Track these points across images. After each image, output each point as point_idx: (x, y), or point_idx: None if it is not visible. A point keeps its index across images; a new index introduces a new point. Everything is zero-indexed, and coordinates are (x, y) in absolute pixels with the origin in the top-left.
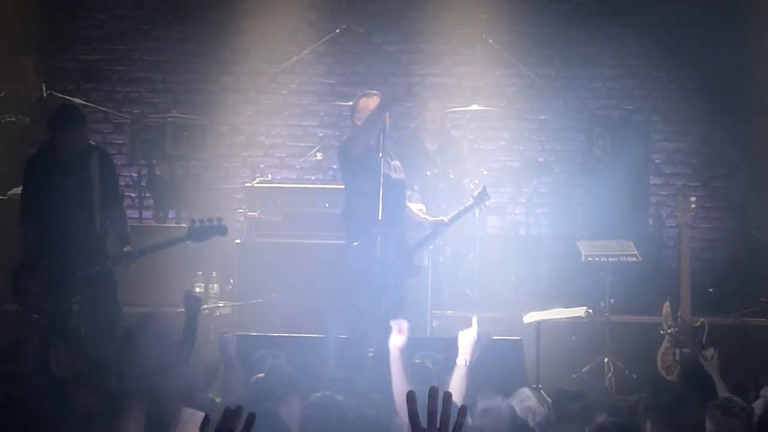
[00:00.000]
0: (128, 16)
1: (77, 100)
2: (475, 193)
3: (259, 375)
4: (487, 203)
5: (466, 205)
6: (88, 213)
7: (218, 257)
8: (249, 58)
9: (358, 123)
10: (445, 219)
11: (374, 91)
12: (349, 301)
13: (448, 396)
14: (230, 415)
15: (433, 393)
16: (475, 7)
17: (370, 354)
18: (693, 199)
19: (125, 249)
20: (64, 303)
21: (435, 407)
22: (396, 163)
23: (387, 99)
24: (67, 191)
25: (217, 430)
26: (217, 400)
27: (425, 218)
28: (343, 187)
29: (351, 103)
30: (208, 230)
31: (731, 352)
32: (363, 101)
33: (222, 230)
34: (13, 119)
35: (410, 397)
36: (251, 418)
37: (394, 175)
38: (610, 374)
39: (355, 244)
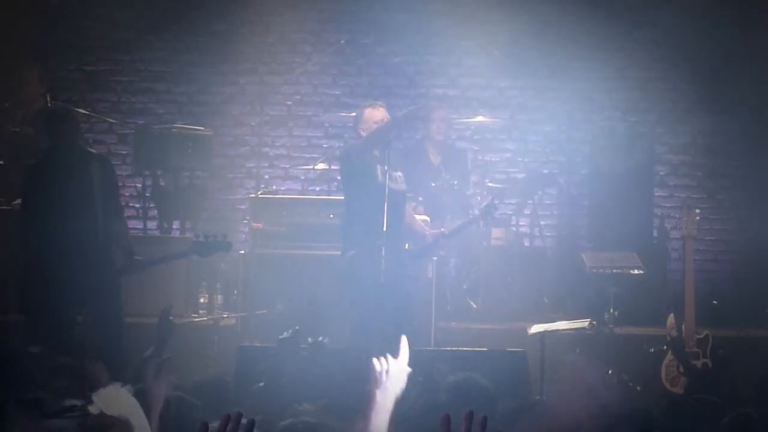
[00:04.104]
0: (133, 26)
1: (82, 110)
2: (483, 204)
3: (260, 384)
4: (496, 215)
5: (470, 218)
6: (90, 221)
7: (223, 268)
8: (254, 69)
9: (363, 133)
10: (445, 231)
11: (380, 102)
12: (350, 312)
13: (483, 420)
14: (229, 421)
15: (467, 417)
16: (479, 18)
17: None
18: (697, 211)
19: (133, 258)
20: (67, 313)
21: (468, 430)
22: (398, 174)
23: (401, 117)
24: (67, 199)
25: None
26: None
27: (427, 230)
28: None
29: (354, 113)
30: (212, 246)
31: (736, 363)
32: (368, 112)
33: (225, 246)
34: (17, 129)
35: (444, 420)
36: (250, 425)
37: (394, 186)
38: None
39: (349, 254)
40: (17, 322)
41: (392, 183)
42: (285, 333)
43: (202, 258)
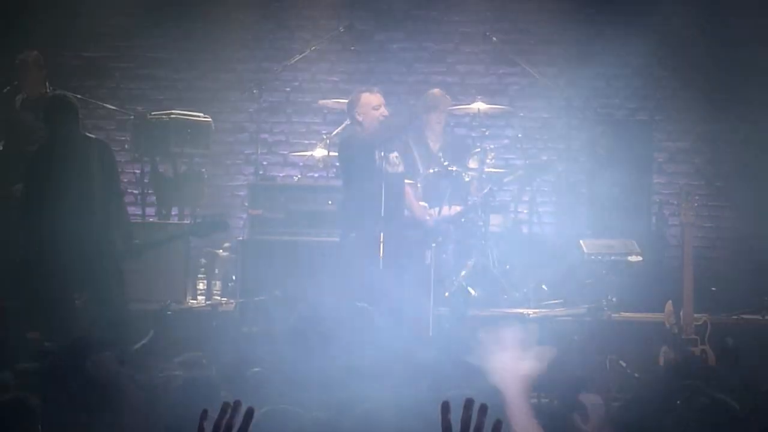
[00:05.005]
0: (132, 13)
1: (80, 97)
2: (483, 193)
3: (255, 369)
4: (492, 204)
5: (470, 205)
6: (90, 206)
7: (221, 254)
8: (252, 56)
9: (359, 118)
10: (447, 216)
11: (376, 87)
12: (349, 297)
13: (483, 408)
14: (229, 409)
15: (467, 404)
16: (478, 5)
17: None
18: (696, 197)
19: (132, 242)
20: (65, 299)
21: (468, 418)
22: (394, 155)
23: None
24: (67, 185)
25: (216, 424)
26: None
27: (428, 214)
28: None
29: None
30: (209, 226)
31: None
32: (365, 96)
33: (223, 226)
34: (16, 116)
35: (445, 408)
36: (250, 413)
37: (391, 169)
38: (611, 373)
39: (348, 238)
40: (17, 308)
41: (389, 166)
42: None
43: (200, 238)
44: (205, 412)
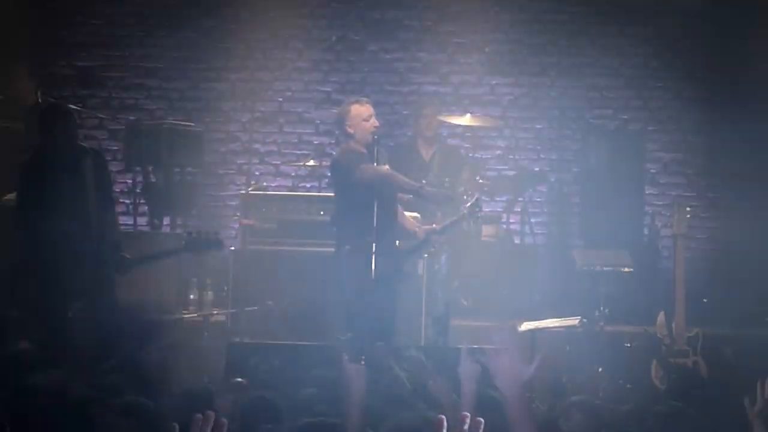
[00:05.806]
0: (124, 22)
1: (73, 107)
2: (468, 204)
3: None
4: (480, 214)
5: (458, 215)
6: (83, 216)
7: (213, 264)
8: (245, 66)
9: (350, 130)
10: (436, 227)
11: (365, 98)
12: (341, 308)
13: (477, 423)
14: (200, 422)
15: (462, 419)
16: (471, 16)
17: (362, 362)
18: (688, 209)
19: (123, 256)
20: (60, 308)
21: None
22: (385, 168)
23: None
24: (61, 195)
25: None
26: None
27: (417, 226)
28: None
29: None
30: (204, 244)
31: (726, 362)
32: (355, 108)
33: (218, 245)
34: (8, 125)
35: (439, 425)
36: (221, 425)
37: (383, 182)
38: (603, 384)
39: (341, 251)
40: (10, 318)
41: (381, 178)
42: None
43: (193, 255)
44: (175, 426)
